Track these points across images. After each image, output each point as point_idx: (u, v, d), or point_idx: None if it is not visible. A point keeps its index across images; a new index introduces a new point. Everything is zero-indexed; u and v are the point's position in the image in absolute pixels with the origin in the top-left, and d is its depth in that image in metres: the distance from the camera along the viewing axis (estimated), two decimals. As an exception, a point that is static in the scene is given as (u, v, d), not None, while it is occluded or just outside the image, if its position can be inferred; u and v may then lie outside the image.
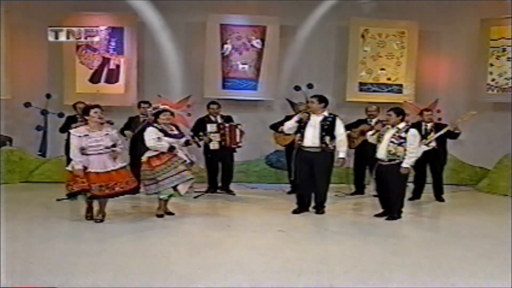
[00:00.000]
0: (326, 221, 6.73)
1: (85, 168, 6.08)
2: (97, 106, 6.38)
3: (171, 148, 6.45)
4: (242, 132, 8.11)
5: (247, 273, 4.52)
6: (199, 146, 7.44)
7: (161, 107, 6.79)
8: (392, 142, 6.56)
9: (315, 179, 6.93)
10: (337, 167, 7.24)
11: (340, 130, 6.94)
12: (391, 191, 6.66)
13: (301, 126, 6.89)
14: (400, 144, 6.53)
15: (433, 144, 7.89)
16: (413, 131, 6.63)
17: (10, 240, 5.24)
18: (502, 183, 9.01)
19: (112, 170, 6.20)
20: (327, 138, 6.84)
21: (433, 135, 7.88)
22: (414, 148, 6.56)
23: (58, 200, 7.14)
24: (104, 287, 4.18)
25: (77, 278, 4.33)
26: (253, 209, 7.42)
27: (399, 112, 6.70)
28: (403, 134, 6.55)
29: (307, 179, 6.93)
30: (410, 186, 8.52)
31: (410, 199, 8.20)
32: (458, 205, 8.14)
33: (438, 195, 8.26)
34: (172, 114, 6.75)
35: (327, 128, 6.86)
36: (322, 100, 7.00)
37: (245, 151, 8.58)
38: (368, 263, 4.91)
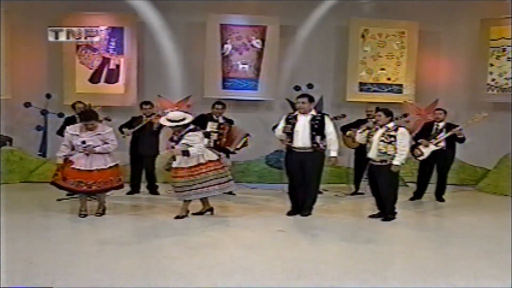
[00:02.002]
0: (326, 221, 6.72)
1: (71, 162, 6.28)
2: (92, 119, 6.42)
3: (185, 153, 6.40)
4: (245, 143, 8.05)
5: (247, 273, 4.52)
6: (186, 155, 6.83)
7: (170, 116, 6.59)
8: (382, 141, 6.57)
9: (306, 179, 6.83)
10: (329, 166, 7.18)
11: (329, 128, 6.79)
12: (383, 192, 6.67)
13: (290, 128, 6.79)
14: (390, 143, 6.54)
15: (442, 144, 7.90)
16: (402, 129, 6.64)
17: (10, 240, 5.24)
18: (503, 183, 9.00)
19: (96, 170, 6.33)
20: (318, 138, 6.72)
21: (442, 135, 7.89)
22: (404, 146, 6.57)
23: (58, 200, 7.15)
24: (104, 287, 4.18)
25: (77, 278, 4.33)
26: (253, 209, 7.41)
27: (388, 112, 6.72)
28: (392, 133, 6.57)
29: (299, 180, 6.82)
30: (411, 186, 8.56)
31: (411, 199, 8.21)
32: (458, 205, 8.14)
33: (439, 195, 8.26)
34: (177, 126, 6.47)
35: (317, 128, 6.73)
36: (312, 99, 6.90)
37: (245, 151, 8.56)
38: (368, 263, 4.91)
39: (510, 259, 4.95)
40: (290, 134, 6.78)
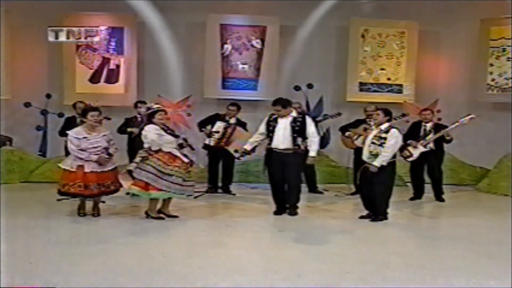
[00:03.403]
0: (326, 221, 6.73)
1: (82, 167, 6.21)
2: (96, 109, 6.47)
3: (181, 145, 6.39)
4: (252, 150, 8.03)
5: (247, 273, 4.52)
6: (192, 149, 6.92)
7: (155, 106, 6.56)
8: (373, 143, 6.49)
9: (287, 180, 6.79)
10: (308, 164, 7.10)
11: (311, 129, 6.74)
12: (376, 192, 6.58)
13: (270, 130, 6.72)
14: (380, 145, 6.44)
15: (431, 145, 7.89)
16: (393, 131, 6.49)
17: (10, 240, 5.24)
18: (502, 183, 9.00)
19: (109, 170, 6.41)
20: (299, 140, 6.66)
21: (431, 136, 7.87)
22: (389, 147, 6.41)
23: (58, 200, 7.13)
24: (104, 287, 4.18)
25: (77, 278, 4.33)
26: (253, 209, 7.42)
27: (387, 112, 6.63)
28: (383, 135, 6.47)
29: (281, 180, 6.79)
30: (411, 186, 8.55)
31: (411, 199, 8.21)
32: (458, 205, 8.14)
33: (438, 195, 8.25)
34: (166, 113, 6.57)
35: (298, 129, 6.67)
36: (286, 104, 6.75)
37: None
38: (368, 263, 4.91)
39: (510, 259, 4.95)
40: (270, 136, 6.72)
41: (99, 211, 6.55)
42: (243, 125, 8.28)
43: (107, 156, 6.35)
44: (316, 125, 8.30)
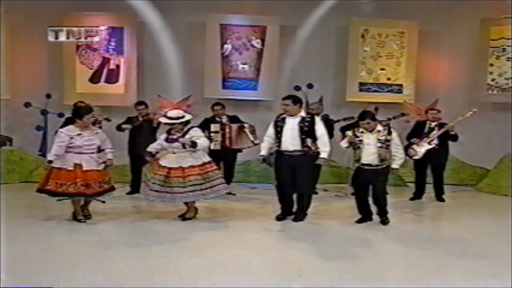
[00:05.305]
0: (326, 221, 6.73)
1: (80, 166, 6.14)
2: (91, 110, 6.42)
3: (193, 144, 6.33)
4: (252, 129, 8.01)
5: (247, 273, 4.53)
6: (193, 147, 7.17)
7: (169, 114, 6.55)
8: (381, 147, 6.43)
9: (298, 184, 6.52)
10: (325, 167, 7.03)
11: (320, 130, 6.46)
12: (380, 194, 6.55)
13: (278, 131, 6.51)
14: (387, 147, 6.46)
15: (435, 142, 7.88)
16: (394, 132, 6.59)
17: (10, 240, 5.24)
18: (503, 183, 9.00)
19: (99, 169, 6.31)
20: (309, 141, 6.42)
21: (435, 133, 7.86)
22: (401, 148, 6.60)
23: (58, 200, 7.13)
24: (104, 287, 4.18)
25: (77, 278, 4.33)
26: (253, 209, 7.42)
27: (374, 117, 6.57)
28: (388, 137, 6.46)
29: (289, 184, 6.52)
30: (411, 186, 8.56)
31: (412, 199, 8.21)
32: (458, 205, 8.14)
33: (439, 195, 8.26)
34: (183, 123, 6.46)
35: (307, 130, 6.41)
36: (297, 100, 6.53)
37: (245, 151, 8.56)
38: (368, 263, 4.91)
39: (510, 259, 4.95)
40: (278, 138, 6.53)
41: (89, 215, 6.42)
42: (235, 119, 8.29)
43: (110, 158, 6.36)
44: (332, 127, 8.31)
